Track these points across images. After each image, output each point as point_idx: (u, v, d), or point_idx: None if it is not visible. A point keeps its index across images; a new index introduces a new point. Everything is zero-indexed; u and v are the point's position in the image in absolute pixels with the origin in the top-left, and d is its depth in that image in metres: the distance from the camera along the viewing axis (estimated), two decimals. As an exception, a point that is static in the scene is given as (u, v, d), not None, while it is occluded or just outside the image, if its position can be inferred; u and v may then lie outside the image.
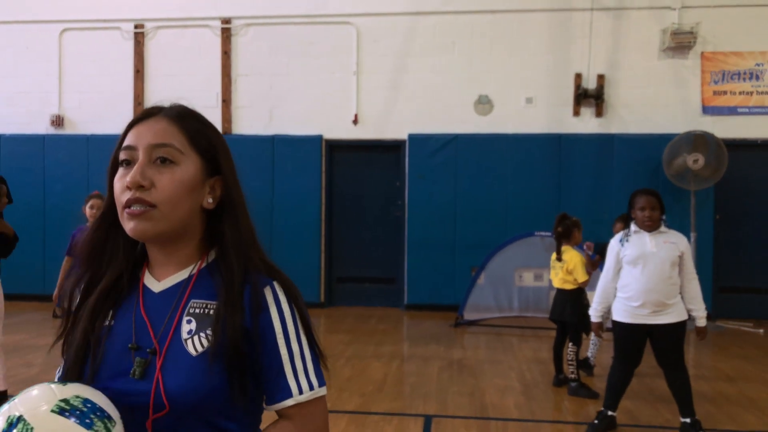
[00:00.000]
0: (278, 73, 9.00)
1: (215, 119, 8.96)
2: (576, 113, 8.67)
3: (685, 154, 7.82)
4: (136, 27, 9.21)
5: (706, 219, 8.28)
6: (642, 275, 4.10)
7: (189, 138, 1.16)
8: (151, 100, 9.16)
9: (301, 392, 1.13)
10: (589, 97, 8.54)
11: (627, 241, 4.21)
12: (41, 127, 9.33)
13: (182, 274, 1.17)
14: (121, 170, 1.14)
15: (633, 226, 4.24)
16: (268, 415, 1.19)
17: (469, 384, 5.37)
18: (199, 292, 1.15)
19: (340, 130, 8.94)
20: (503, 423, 4.44)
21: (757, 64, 8.45)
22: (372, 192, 9.14)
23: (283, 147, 8.91)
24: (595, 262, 5.74)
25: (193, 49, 9.11)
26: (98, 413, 0.99)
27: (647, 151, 8.34)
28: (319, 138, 8.92)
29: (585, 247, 5.74)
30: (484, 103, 8.79)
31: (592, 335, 5.52)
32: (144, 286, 1.18)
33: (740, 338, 7.40)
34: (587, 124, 8.66)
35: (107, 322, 1.16)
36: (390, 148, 9.00)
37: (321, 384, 1.16)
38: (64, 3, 9.29)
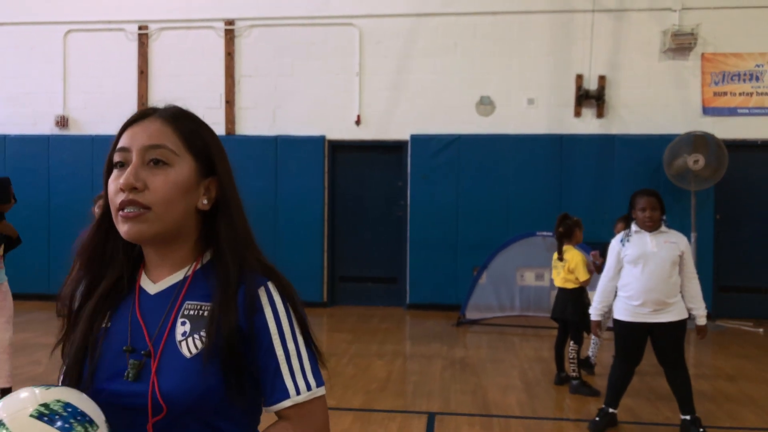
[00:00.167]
0: (281, 74, 9.06)
1: (219, 120, 9.03)
2: (577, 114, 8.73)
3: (686, 155, 7.87)
4: (140, 28, 9.28)
5: (706, 219, 8.34)
6: (643, 275, 4.16)
7: (183, 139, 1.16)
8: (155, 100, 9.07)
9: (298, 393, 1.12)
10: (590, 98, 8.59)
11: (628, 241, 4.27)
12: (46, 127, 9.39)
13: (177, 276, 1.17)
14: (115, 172, 1.14)
15: (634, 226, 4.30)
16: (268, 416, 1.20)
17: (471, 382, 5.43)
18: (194, 294, 1.15)
19: (342, 130, 9.00)
20: (505, 420, 4.50)
21: (757, 65, 8.50)
22: (374, 192, 9.20)
23: (286, 147, 8.97)
24: (600, 266, 5.78)
25: (197, 50, 9.17)
26: (79, 417, 0.99)
27: (648, 151, 8.40)
28: (322, 138, 8.98)
29: (591, 256, 5.79)
30: (485, 104, 8.85)
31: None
32: (140, 288, 1.19)
33: (740, 337, 7.45)
34: (588, 124, 8.72)
35: (104, 324, 1.17)
36: (392, 149, 9.06)
37: (319, 384, 1.15)
38: (69, 4, 9.36)
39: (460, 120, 8.82)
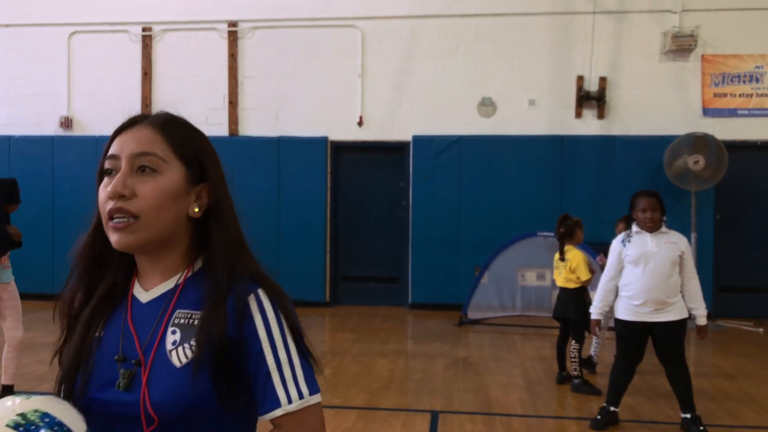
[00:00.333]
0: (284, 76, 9.12)
1: (222, 121, 9.09)
2: (578, 115, 8.78)
3: (686, 156, 7.93)
4: (144, 30, 9.33)
5: (706, 219, 8.39)
6: (643, 274, 4.22)
7: (173, 146, 1.15)
8: (158, 101, 9.28)
9: (290, 401, 1.09)
10: (591, 99, 8.65)
11: (629, 241, 4.33)
12: (50, 128, 9.45)
13: (169, 284, 1.16)
14: (105, 180, 1.14)
15: (635, 227, 4.36)
16: (266, 425, 1.19)
17: (473, 381, 5.49)
18: (185, 302, 1.14)
19: (345, 131, 9.06)
20: (508, 419, 4.55)
21: (757, 67, 8.56)
22: (376, 192, 9.26)
23: (289, 148, 9.03)
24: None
25: (200, 52, 9.23)
26: (56, 428, 0.97)
27: (648, 152, 8.46)
28: (325, 139, 9.04)
29: (598, 259, 5.85)
30: (487, 105, 8.90)
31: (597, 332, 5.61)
32: (133, 296, 1.18)
33: (740, 337, 7.51)
34: (589, 125, 8.77)
35: (98, 333, 1.17)
36: (394, 150, 9.12)
37: (313, 392, 1.12)
38: (73, 6, 9.41)
39: (462, 121, 8.88)
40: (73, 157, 9.22)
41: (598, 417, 4.36)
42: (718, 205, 8.54)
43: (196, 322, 1.11)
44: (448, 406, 4.80)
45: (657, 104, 8.65)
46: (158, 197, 1.11)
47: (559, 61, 8.79)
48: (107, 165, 1.14)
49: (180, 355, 1.09)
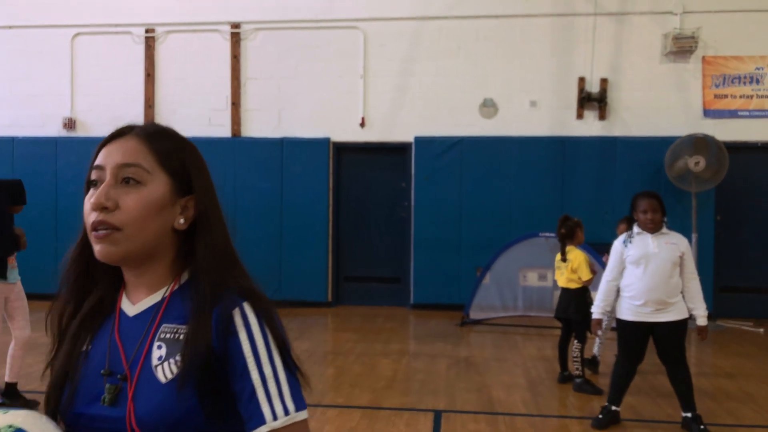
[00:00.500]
0: (287, 77, 9.16)
1: (225, 122, 9.13)
2: (579, 116, 8.82)
3: (687, 157, 7.97)
4: (147, 31, 9.38)
5: (707, 220, 8.43)
6: (645, 275, 4.27)
7: (159, 157, 1.13)
8: (161, 103, 9.33)
9: (275, 418, 1.06)
10: (593, 100, 8.69)
11: (630, 242, 4.37)
12: (54, 129, 9.50)
13: (155, 297, 1.15)
14: (90, 191, 1.12)
15: (636, 228, 4.40)
16: None
17: (476, 381, 5.53)
18: (171, 316, 1.12)
19: (347, 132, 9.10)
20: (510, 418, 4.59)
21: (757, 68, 8.59)
22: (378, 193, 9.30)
23: (291, 149, 9.07)
24: None
25: (203, 53, 9.27)
26: None
27: (649, 153, 8.49)
28: (327, 140, 9.08)
29: (604, 259, 5.88)
30: (488, 107, 8.94)
31: (599, 332, 5.65)
32: (120, 309, 1.17)
33: (740, 337, 7.55)
34: (590, 127, 8.81)
35: (85, 347, 1.16)
36: (396, 150, 9.16)
37: (299, 408, 1.08)
38: (77, 8, 9.46)
39: (464, 122, 8.92)
40: (76, 158, 9.24)
41: (600, 416, 4.40)
42: (718, 206, 8.58)
43: (181, 336, 1.09)
44: (451, 406, 4.85)
45: (658, 105, 8.69)
46: (141, 209, 1.10)
47: (561, 63, 8.83)
48: (93, 176, 1.13)
49: (165, 370, 1.08)
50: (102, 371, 1.11)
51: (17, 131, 9.54)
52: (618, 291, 4.46)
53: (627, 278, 4.38)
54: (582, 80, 8.77)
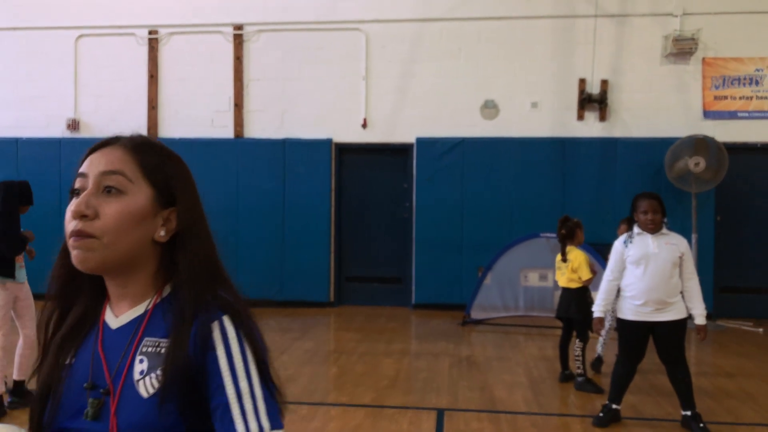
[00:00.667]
0: (289, 78, 9.22)
1: (227, 123, 9.18)
2: (580, 117, 8.87)
3: (687, 158, 8.01)
4: (150, 33, 9.43)
5: (707, 220, 8.48)
6: (645, 275, 4.32)
7: (143, 169, 1.13)
8: (164, 104, 9.38)
9: None
10: (593, 101, 8.74)
11: (631, 242, 4.42)
12: (57, 130, 9.55)
13: (138, 310, 1.13)
14: (73, 199, 1.12)
15: (636, 228, 4.45)
16: None
17: (478, 380, 5.58)
18: (153, 330, 1.11)
19: (349, 133, 9.15)
20: (512, 416, 4.65)
21: (757, 70, 8.65)
22: (380, 194, 9.35)
23: (294, 150, 9.12)
24: None
25: (206, 55, 9.33)
26: None
27: (650, 154, 8.54)
28: (329, 141, 9.13)
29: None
30: (490, 108, 9.00)
31: (602, 332, 5.70)
32: (104, 322, 1.15)
33: (740, 337, 7.59)
34: (591, 128, 8.86)
35: (69, 360, 1.14)
36: (398, 151, 9.22)
37: (274, 426, 1.04)
38: (80, 10, 9.51)
39: (465, 123, 8.97)
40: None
41: (601, 414, 4.46)
42: (718, 207, 8.63)
43: (163, 350, 1.08)
44: (454, 404, 4.90)
45: (658, 106, 8.74)
46: (121, 219, 1.09)
47: (562, 64, 8.88)
48: (76, 184, 1.13)
49: (147, 385, 1.07)
50: (85, 385, 1.10)
51: (21, 132, 9.59)
52: (618, 290, 4.51)
53: (627, 278, 4.43)
54: (582, 81, 8.82)
